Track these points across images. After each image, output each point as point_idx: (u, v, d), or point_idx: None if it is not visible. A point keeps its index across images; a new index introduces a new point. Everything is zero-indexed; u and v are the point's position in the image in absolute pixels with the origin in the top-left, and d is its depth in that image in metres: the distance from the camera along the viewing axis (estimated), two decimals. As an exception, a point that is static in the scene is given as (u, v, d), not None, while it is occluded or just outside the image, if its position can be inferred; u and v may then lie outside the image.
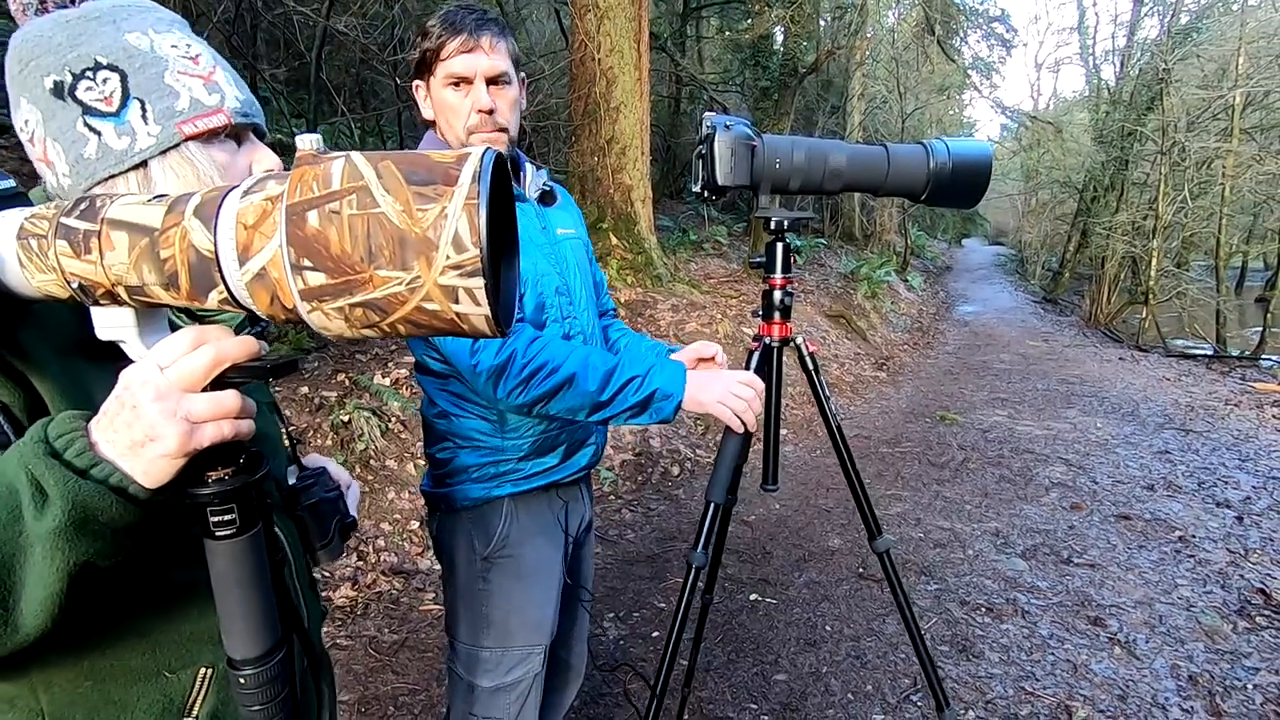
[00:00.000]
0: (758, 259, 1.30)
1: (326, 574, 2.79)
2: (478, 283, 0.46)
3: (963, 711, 2.16)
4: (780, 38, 11.20)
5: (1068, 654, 2.45)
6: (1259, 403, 6.14)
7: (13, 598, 0.50)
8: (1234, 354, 10.17)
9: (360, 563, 2.90)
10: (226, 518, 0.56)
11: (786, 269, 1.26)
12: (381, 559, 2.95)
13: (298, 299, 0.48)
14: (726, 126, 1.14)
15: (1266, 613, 2.69)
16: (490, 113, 1.17)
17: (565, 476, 1.29)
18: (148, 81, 0.68)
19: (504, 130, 1.20)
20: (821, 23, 11.38)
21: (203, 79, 0.71)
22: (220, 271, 0.50)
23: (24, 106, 0.67)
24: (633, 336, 1.45)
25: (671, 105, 11.72)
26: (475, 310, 0.48)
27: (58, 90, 0.65)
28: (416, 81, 1.23)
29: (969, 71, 14.40)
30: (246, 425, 0.55)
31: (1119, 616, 2.69)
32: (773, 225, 1.25)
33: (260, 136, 0.77)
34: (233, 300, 0.51)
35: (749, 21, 10.80)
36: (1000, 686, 2.28)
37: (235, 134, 0.73)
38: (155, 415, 0.50)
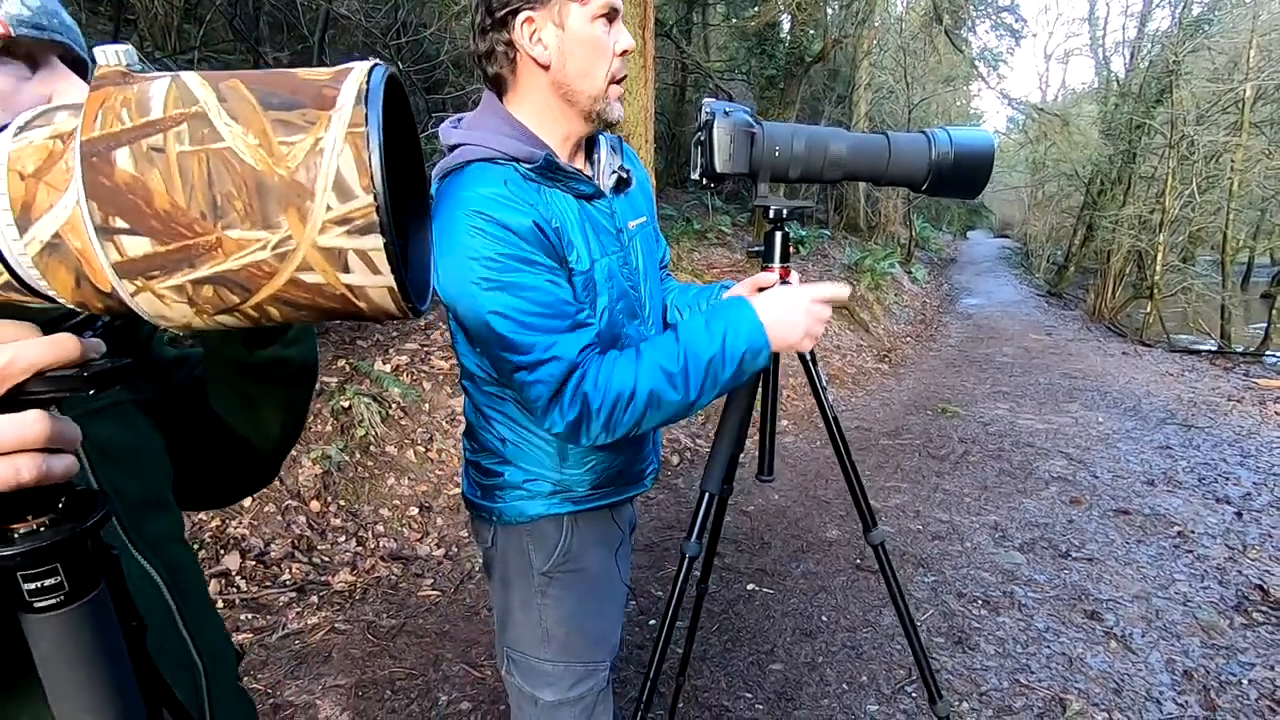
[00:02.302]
0: (756, 248, 1.28)
1: (325, 559, 2.80)
2: (374, 242, 0.33)
3: (957, 703, 2.16)
4: (787, 26, 11.11)
5: (1063, 647, 2.46)
6: (1262, 399, 6.11)
7: None
8: (1238, 350, 10.14)
9: (359, 548, 2.91)
10: (48, 583, 0.40)
11: (785, 258, 1.25)
12: (380, 544, 2.96)
13: (113, 276, 0.34)
14: (726, 113, 1.11)
15: (1264, 609, 2.69)
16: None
17: (623, 498, 1.22)
18: None
19: None
20: (829, 11, 11.27)
21: None
22: None
23: None
24: (683, 288, 1.34)
25: (676, 93, 11.65)
26: (374, 281, 0.34)
27: None
28: (528, 13, 0.95)
29: (976, 62, 14.26)
30: (62, 464, 0.39)
31: (1116, 611, 2.69)
32: (772, 214, 1.24)
33: (76, 66, 0.57)
34: (18, 285, 0.36)
35: (756, 9, 10.70)
36: (995, 679, 2.28)
37: (28, 55, 0.53)
38: None
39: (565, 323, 0.95)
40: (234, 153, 0.33)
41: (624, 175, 1.14)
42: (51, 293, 0.36)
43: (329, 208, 0.33)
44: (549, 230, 0.97)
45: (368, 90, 0.34)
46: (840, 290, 1.06)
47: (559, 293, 0.96)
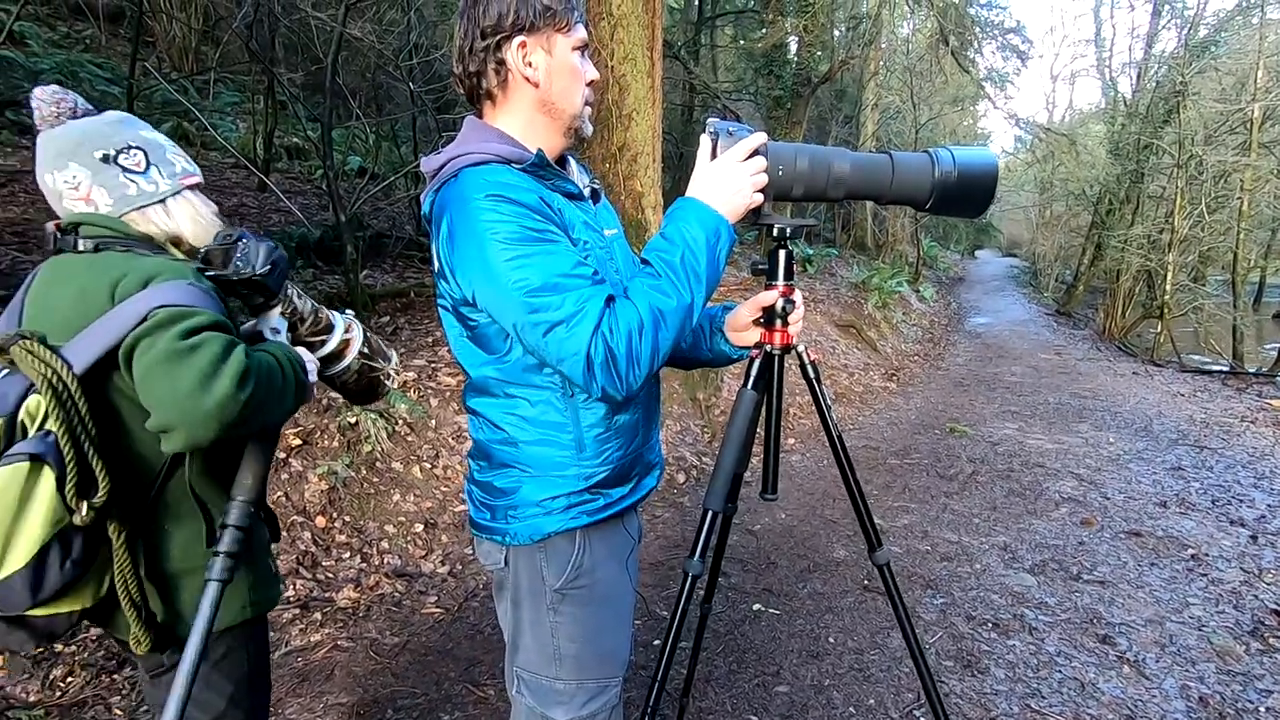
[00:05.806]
0: (760, 265, 1.28)
1: (329, 575, 2.79)
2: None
3: (966, 728, 2.12)
4: (794, 47, 11.22)
5: (1075, 672, 2.41)
6: (1276, 420, 6.05)
7: None
8: (1250, 370, 10.03)
9: (363, 564, 2.90)
10: None
11: (789, 275, 1.25)
12: (385, 561, 2.95)
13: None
14: (730, 132, 1.12)
15: (1280, 634, 2.64)
16: None
17: (634, 502, 1.21)
18: (157, 155, 1.15)
19: None
20: (835, 33, 11.39)
21: (185, 156, 1.20)
22: None
23: (72, 168, 1.08)
24: None
25: (684, 113, 11.75)
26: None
27: (105, 159, 1.09)
28: (522, 38, 1.06)
29: (983, 83, 14.33)
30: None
31: (1128, 635, 2.64)
32: (775, 232, 1.24)
33: None
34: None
35: (763, 31, 10.82)
36: (1006, 704, 2.25)
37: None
38: None
39: (587, 281, 1.00)
40: None
41: (596, 188, 1.22)
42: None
43: None
44: (553, 209, 1.05)
45: None
46: (756, 139, 1.10)
47: (577, 255, 1.03)
